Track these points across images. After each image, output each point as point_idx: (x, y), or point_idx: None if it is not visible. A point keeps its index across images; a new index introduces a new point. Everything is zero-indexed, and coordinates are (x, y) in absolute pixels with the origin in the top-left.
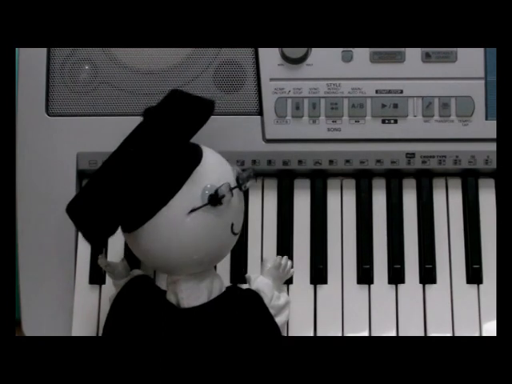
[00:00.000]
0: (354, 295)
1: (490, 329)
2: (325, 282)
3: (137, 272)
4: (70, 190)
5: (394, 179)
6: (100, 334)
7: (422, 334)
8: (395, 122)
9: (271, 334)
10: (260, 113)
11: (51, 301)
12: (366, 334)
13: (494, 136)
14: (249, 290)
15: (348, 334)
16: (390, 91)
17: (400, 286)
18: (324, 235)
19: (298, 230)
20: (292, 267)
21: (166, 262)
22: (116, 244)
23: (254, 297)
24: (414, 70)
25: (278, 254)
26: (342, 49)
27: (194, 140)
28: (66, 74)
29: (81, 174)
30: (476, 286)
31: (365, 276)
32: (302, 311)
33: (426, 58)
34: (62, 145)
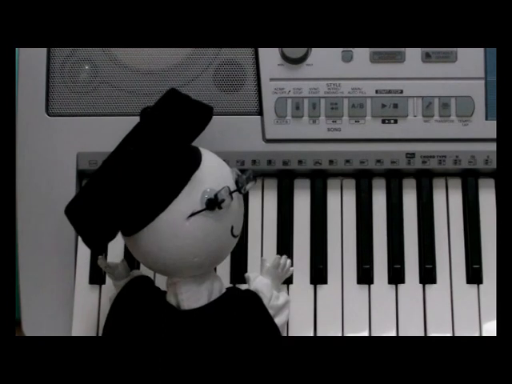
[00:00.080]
0: (353, 295)
1: (489, 329)
2: (325, 281)
3: (137, 273)
4: (69, 190)
5: (394, 179)
6: (100, 334)
7: (422, 334)
8: (395, 122)
9: (270, 335)
10: (260, 113)
11: (51, 301)
12: (365, 333)
13: (494, 136)
14: (248, 291)
15: (348, 334)
16: (389, 91)
17: (400, 286)
18: (324, 235)
19: (298, 230)
20: (292, 266)
21: (166, 265)
22: (116, 245)
23: (253, 298)
24: (414, 70)
25: (278, 254)
26: (341, 49)
27: (193, 141)
28: (65, 73)
29: (81, 174)
30: (476, 285)
31: (365, 276)
32: (302, 311)
33: (426, 58)
34: (62, 145)
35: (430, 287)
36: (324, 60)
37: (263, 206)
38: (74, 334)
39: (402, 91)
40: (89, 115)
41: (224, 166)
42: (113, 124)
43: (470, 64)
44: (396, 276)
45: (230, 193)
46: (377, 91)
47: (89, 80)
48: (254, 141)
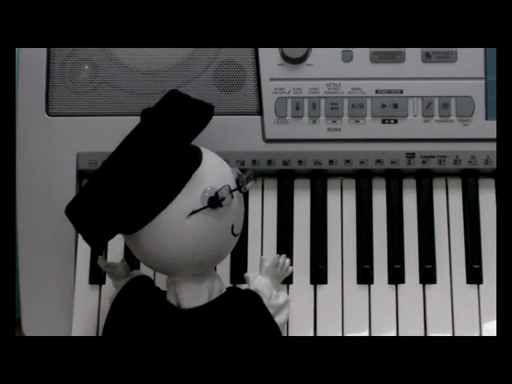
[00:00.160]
0: (353, 295)
1: (489, 329)
2: (325, 281)
3: (137, 272)
4: (69, 190)
5: (394, 179)
6: (100, 334)
7: (422, 334)
8: (395, 121)
9: (271, 334)
10: (260, 113)
11: (51, 301)
12: (365, 334)
13: (494, 136)
14: (248, 290)
15: (348, 334)
16: (389, 91)
17: (400, 286)
18: (324, 235)
19: (298, 230)
20: (291, 266)
21: (166, 264)
22: (116, 245)
23: (254, 297)
24: (414, 70)
25: (278, 253)
26: (341, 49)
27: (194, 140)
28: (66, 73)
29: (81, 174)
30: (476, 285)
31: (365, 276)
32: (302, 311)
33: (426, 58)
34: (62, 145)
35: (430, 287)
36: (324, 60)
37: (263, 205)
38: (74, 334)
39: (401, 91)
40: (89, 115)
41: (224, 166)
42: (113, 124)
43: (470, 64)
44: (396, 276)
45: (231, 191)
46: (377, 91)
47: (89, 80)
48: (254, 141)
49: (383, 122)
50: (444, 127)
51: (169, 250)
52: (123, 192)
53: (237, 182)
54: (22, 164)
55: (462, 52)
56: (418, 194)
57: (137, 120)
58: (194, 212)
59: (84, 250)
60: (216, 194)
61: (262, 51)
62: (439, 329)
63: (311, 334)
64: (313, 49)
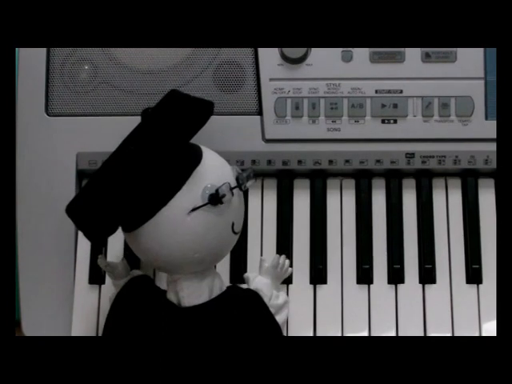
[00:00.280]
0: (353, 295)
1: (489, 329)
2: (324, 282)
3: (136, 272)
4: (69, 190)
5: (394, 179)
6: (100, 334)
7: (422, 334)
8: (395, 121)
9: (272, 332)
10: (260, 113)
11: (51, 301)
12: (365, 334)
13: (494, 136)
14: (249, 289)
15: (347, 334)
16: (389, 91)
17: (400, 286)
18: (324, 235)
19: (298, 230)
20: (291, 266)
21: (167, 261)
22: (116, 244)
23: (255, 296)
24: (414, 70)
25: (278, 253)
26: (341, 49)
27: (193, 140)
28: (65, 73)
29: (81, 174)
30: (476, 286)
31: (364, 276)
32: (302, 311)
33: (426, 58)
34: (61, 145)
35: (429, 287)
36: (324, 60)
37: (263, 205)
38: (74, 333)
39: (401, 91)
40: (89, 115)
41: (225, 164)
42: (113, 124)
43: (470, 64)
44: (396, 276)
45: (231, 189)
46: (376, 91)
47: (89, 80)
48: (254, 141)
49: (383, 121)
50: (444, 127)
51: (169, 247)
52: (124, 189)
53: (237, 179)
54: (21, 164)
55: (461, 52)
56: (418, 194)
57: (137, 120)
58: (194, 209)
59: (84, 250)
60: (216, 191)
61: (261, 51)
62: (439, 329)
63: (311, 334)
64: (312, 49)
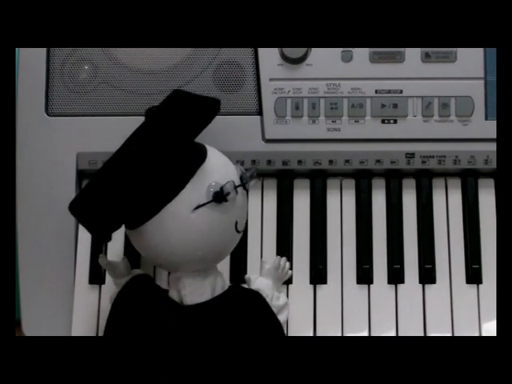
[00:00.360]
0: (353, 295)
1: (489, 329)
2: (324, 282)
3: (137, 271)
4: (69, 190)
5: (394, 179)
6: (100, 334)
7: (422, 334)
8: (395, 122)
9: (275, 331)
10: (260, 113)
11: (51, 301)
12: (365, 334)
13: (494, 136)
14: (251, 289)
15: (347, 334)
16: (389, 91)
17: (400, 286)
18: (324, 235)
19: (298, 230)
20: (291, 267)
21: (170, 258)
22: (116, 243)
23: (257, 295)
24: (414, 70)
25: (278, 253)
26: (341, 49)
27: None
28: (65, 73)
29: (81, 174)
30: (476, 286)
31: (364, 276)
32: (302, 311)
33: (426, 58)
34: (61, 145)
35: (429, 287)
36: (324, 60)
37: (263, 205)
38: (74, 333)
39: (401, 91)
40: (89, 115)
41: (229, 163)
42: (113, 124)
43: (470, 64)
44: (396, 276)
45: (235, 187)
46: (376, 91)
47: (89, 80)
48: (254, 141)
49: (383, 122)
50: (443, 127)
51: (173, 244)
52: (129, 185)
53: (241, 178)
54: (22, 164)
55: (461, 52)
56: (418, 194)
57: (137, 120)
58: (199, 206)
59: (84, 250)
60: (221, 188)
61: (261, 51)
62: (439, 329)
63: (311, 334)
64: (312, 49)
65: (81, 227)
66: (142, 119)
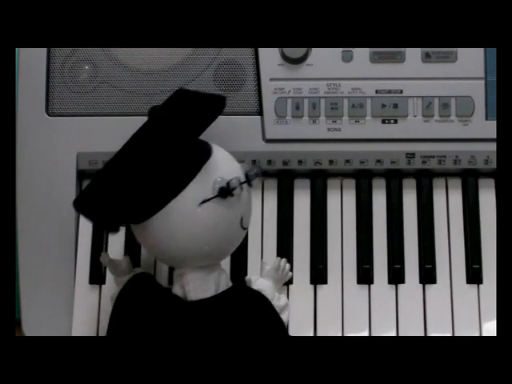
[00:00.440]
0: (353, 295)
1: (489, 329)
2: (325, 282)
3: (138, 270)
4: (69, 190)
5: (394, 179)
6: (100, 334)
7: (422, 334)
8: (395, 122)
9: (279, 329)
10: (260, 113)
11: (51, 301)
12: (366, 334)
13: (494, 136)
14: (253, 289)
15: (348, 334)
16: (389, 91)
17: (400, 286)
18: (324, 235)
19: (298, 230)
20: (291, 268)
21: (175, 254)
22: (116, 242)
23: (260, 295)
24: (414, 70)
25: (278, 253)
26: (341, 49)
27: None
28: (65, 73)
29: (81, 174)
30: (476, 286)
31: (365, 276)
32: (302, 311)
33: (426, 58)
34: (62, 145)
35: (429, 287)
36: (324, 60)
37: (263, 205)
38: (74, 334)
39: (401, 91)
40: (89, 115)
41: (234, 160)
42: (113, 124)
43: (470, 64)
44: (396, 276)
45: (241, 183)
46: (377, 91)
47: (89, 80)
48: (254, 141)
49: (383, 122)
50: (444, 127)
51: (179, 238)
52: (135, 179)
53: (246, 175)
54: (22, 164)
55: (461, 52)
56: (418, 194)
57: (137, 120)
58: (205, 201)
59: (84, 250)
60: (227, 183)
61: (261, 51)
62: (439, 329)
63: (311, 334)
64: (313, 49)
65: (81, 227)
66: (142, 119)
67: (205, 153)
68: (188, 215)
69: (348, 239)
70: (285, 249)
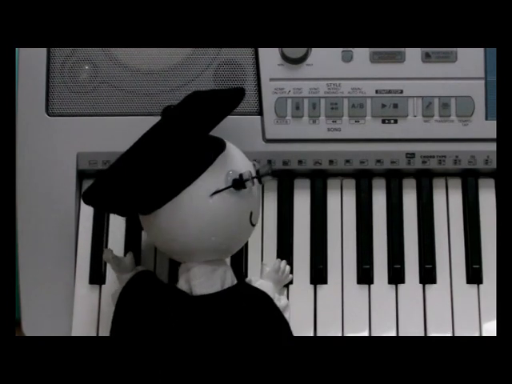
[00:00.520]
0: (353, 295)
1: (489, 329)
2: (325, 282)
3: (140, 268)
4: (69, 190)
5: (394, 179)
6: (100, 334)
7: (422, 334)
8: (395, 121)
9: (282, 326)
10: (260, 113)
11: (51, 301)
12: (366, 334)
13: (494, 136)
14: (257, 288)
15: (348, 334)
16: (389, 91)
17: (400, 286)
18: (324, 235)
19: (298, 230)
20: (291, 269)
21: (184, 245)
22: (116, 241)
23: (264, 293)
24: (414, 70)
25: (278, 253)
26: (341, 49)
27: None
28: (65, 73)
29: (81, 174)
30: (476, 285)
31: (365, 276)
32: (302, 311)
33: (426, 58)
34: (62, 145)
35: (429, 287)
36: (324, 60)
37: (263, 205)
38: (74, 334)
39: (401, 91)
40: (89, 115)
41: (245, 157)
42: (113, 124)
43: (470, 64)
44: (396, 276)
45: (253, 178)
46: (377, 91)
47: (89, 80)
48: (254, 141)
49: (383, 121)
50: (444, 127)
51: (189, 228)
52: (148, 168)
53: (257, 172)
54: (22, 164)
55: (461, 52)
56: (418, 194)
57: (137, 120)
58: (217, 191)
59: (84, 250)
60: (240, 175)
61: (261, 51)
62: (439, 329)
63: (311, 334)
64: (313, 49)
65: (81, 227)
66: (142, 119)
67: (219, 146)
68: (199, 205)
69: (348, 239)
70: (285, 249)
